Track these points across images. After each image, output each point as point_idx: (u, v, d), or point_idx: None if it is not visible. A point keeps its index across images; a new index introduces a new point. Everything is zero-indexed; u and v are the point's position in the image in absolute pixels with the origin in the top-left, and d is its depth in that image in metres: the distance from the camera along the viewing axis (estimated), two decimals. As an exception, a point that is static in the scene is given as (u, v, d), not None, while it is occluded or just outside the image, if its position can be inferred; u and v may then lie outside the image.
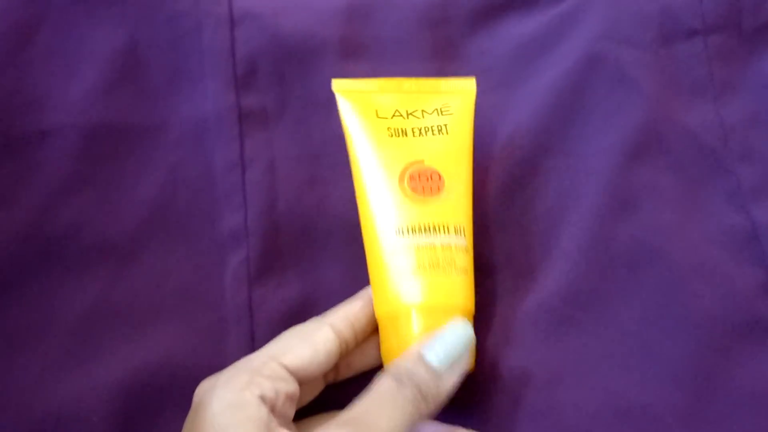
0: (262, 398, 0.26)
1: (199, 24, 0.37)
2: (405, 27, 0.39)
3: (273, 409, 0.26)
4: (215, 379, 0.27)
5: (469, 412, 0.31)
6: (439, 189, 0.32)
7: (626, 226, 0.34)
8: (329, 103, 0.37)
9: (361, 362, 0.32)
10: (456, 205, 0.32)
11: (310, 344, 0.29)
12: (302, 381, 0.29)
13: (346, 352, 0.30)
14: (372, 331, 0.32)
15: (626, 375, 0.31)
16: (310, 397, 0.31)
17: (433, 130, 0.33)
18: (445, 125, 0.33)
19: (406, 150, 0.33)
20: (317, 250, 0.35)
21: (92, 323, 0.32)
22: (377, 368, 0.32)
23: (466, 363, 0.29)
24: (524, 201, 0.35)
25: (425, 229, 0.31)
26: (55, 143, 0.34)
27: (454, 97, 0.34)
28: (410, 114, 0.34)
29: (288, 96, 0.37)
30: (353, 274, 0.34)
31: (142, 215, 0.34)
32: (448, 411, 0.30)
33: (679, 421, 0.30)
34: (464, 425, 0.30)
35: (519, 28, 0.39)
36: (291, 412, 0.28)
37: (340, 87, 0.34)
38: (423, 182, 0.32)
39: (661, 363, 0.31)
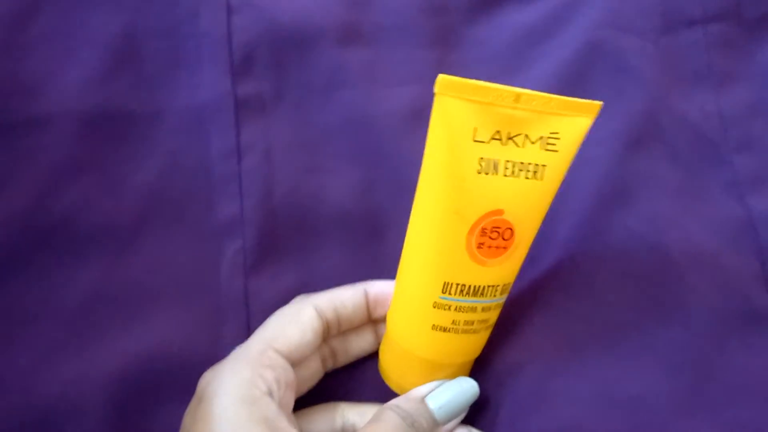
0: (270, 393, 0.26)
1: (196, 10, 0.37)
2: (405, 14, 0.39)
3: (280, 403, 0.26)
4: (219, 371, 0.27)
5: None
6: (506, 249, 0.28)
7: (623, 215, 0.34)
8: (327, 90, 0.37)
9: (359, 347, 0.32)
10: (514, 265, 0.29)
11: (298, 325, 0.29)
12: (294, 363, 0.29)
13: (328, 336, 0.31)
14: (362, 322, 0.32)
15: (620, 365, 0.31)
16: (309, 385, 0.31)
17: (528, 172, 0.27)
18: (544, 167, 0.27)
19: (491, 194, 0.27)
20: (314, 240, 0.35)
21: (89, 311, 0.32)
22: (374, 354, 0.32)
23: (463, 415, 0.29)
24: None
25: (474, 293, 0.28)
26: (53, 129, 0.34)
27: (567, 124, 0.28)
28: (511, 138, 0.27)
29: (285, 83, 0.37)
30: (350, 263, 0.34)
31: (138, 203, 0.34)
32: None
33: (673, 411, 0.30)
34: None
35: (520, 15, 0.39)
36: (291, 402, 0.29)
37: (445, 86, 0.26)
38: (493, 240, 0.28)
39: (655, 353, 0.31)
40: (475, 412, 0.31)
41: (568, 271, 0.33)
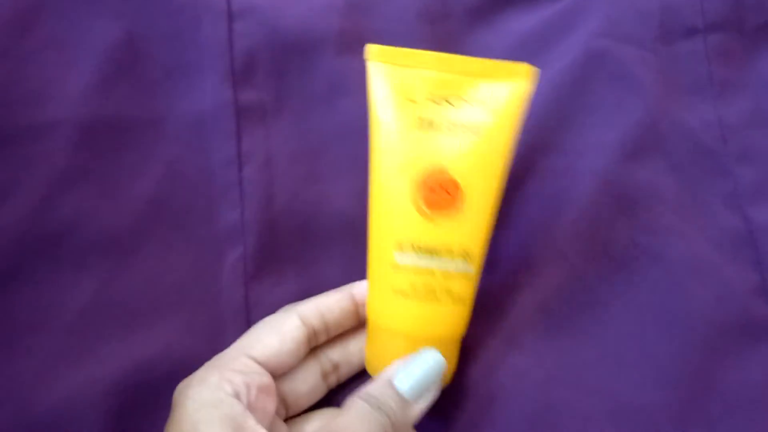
0: (237, 395, 0.26)
1: (197, 18, 0.37)
2: (405, 21, 0.39)
3: (249, 405, 0.27)
4: (189, 379, 0.28)
5: (464, 410, 0.31)
6: (454, 205, 0.29)
7: (624, 226, 0.34)
8: (328, 98, 0.37)
9: (360, 357, 0.32)
10: (469, 227, 0.29)
11: (277, 333, 0.29)
12: (275, 371, 0.29)
13: (316, 342, 0.31)
14: (352, 324, 0.32)
15: (621, 376, 0.31)
16: (310, 399, 0.31)
17: (465, 128, 0.29)
18: (483, 124, 0.29)
19: (431, 150, 0.29)
20: (315, 248, 0.35)
21: (89, 319, 0.32)
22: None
23: (436, 391, 0.29)
24: (521, 199, 0.35)
25: (427, 251, 0.29)
26: (52, 137, 0.34)
27: (504, 88, 0.30)
28: (446, 99, 0.29)
29: (286, 91, 0.37)
30: (351, 271, 0.34)
31: (139, 211, 0.34)
32: (444, 408, 0.30)
33: (673, 423, 0.30)
34: (458, 423, 0.31)
35: (519, 24, 0.39)
36: (270, 406, 0.28)
37: (374, 53, 0.30)
38: (439, 195, 0.29)
39: (655, 364, 0.31)
40: (475, 421, 0.31)
41: (569, 282, 0.33)
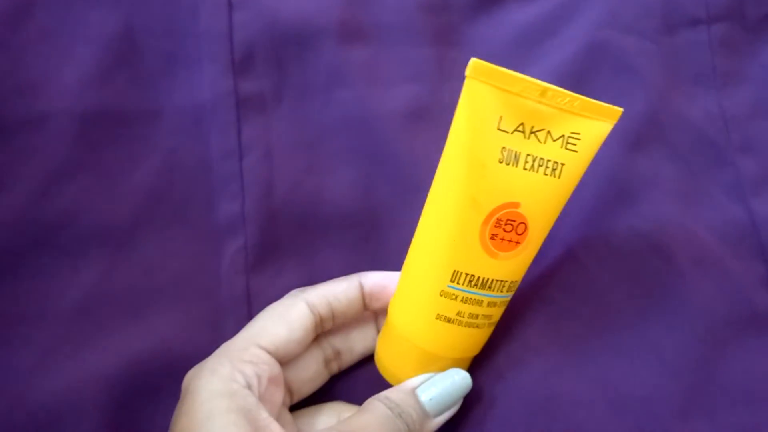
0: (249, 386, 0.26)
1: (196, 8, 0.36)
2: (405, 12, 0.39)
3: (260, 397, 0.26)
4: (200, 368, 0.27)
5: (466, 402, 0.31)
6: (518, 243, 0.28)
7: (626, 217, 0.34)
8: (327, 88, 0.37)
9: (363, 345, 0.32)
10: (524, 261, 0.29)
11: (285, 322, 0.29)
12: (283, 360, 0.29)
13: (321, 330, 0.30)
14: (356, 313, 0.32)
15: (623, 367, 0.31)
16: (312, 387, 0.31)
17: (547, 168, 0.27)
18: (562, 166, 0.28)
19: (509, 186, 0.27)
20: (315, 239, 0.35)
21: (88, 311, 0.32)
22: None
23: (456, 408, 0.29)
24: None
25: (482, 285, 0.28)
26: (50, 128, 0.34)
27: (589, 126, 0.28)
28: (533, 133, 0.27)
29: (286, 82, 0.37)
30: (352, 262, 0.34)
31: (138, 202, 0.34)
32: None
33: (675, 414, 0.30)
34: (460, 414, 0.31)
35: (520, 14, 0.39)
36: (278, 397, 0.28)
37: (477, 70, 0.26)
38: (507, 233, 0.28)
39: (658, 354, 0.31)
40: (473, 406, 0.31)
41: (570, 271, 0.33)
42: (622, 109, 0.28)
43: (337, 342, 0.32)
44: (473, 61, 0.26)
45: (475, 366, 0.32)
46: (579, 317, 0.32)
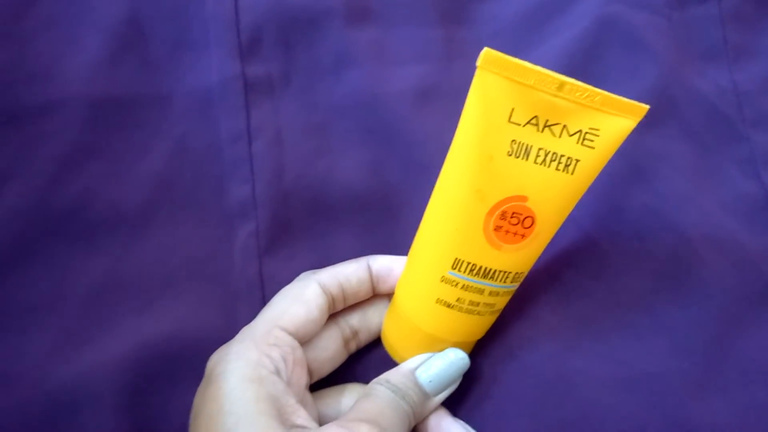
0: (277, 371, 0.26)
1: (202, -9, 0.36)
2: (412, -9, 0.38)
3: (288, 381, 0.27)
4: (225, 352, 0.27)
5: (479, 381, 0.31)
6: (523, 237, 0.27)
7: (638, 193, 0.34)
8: (335, 70, 0.37)
9: (379, 323, 0.32)
10: (530, 254, 0.28)
11: (302, 303, 0.29)
12: (302, 341, 0.29)
13: (334, 310, 0.31)
14: (367, 294, 0.32)
15: (636, 344, 0.31)
16: (331, 366, 0.31)
17: (560, 163, 0.27)
18: (577, 162, 0.27)
19: (517, 179, 0.27)
20: (326, 221, 0.35)
21: (102, 296, 0.32)
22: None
23: (455, 387, 0.29)
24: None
25: (484, 275, 0.28)
26: (60, 116, 0.34)
27: (609, 122, 0.27)
28: (548, 126, 0.26)
29: (293, 64, 0.36)
30: (363, 243, 0.34)
31: (149, 188, 0.34)
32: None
33: (689, 390, 0.30)
34: (473, 393, 0.31)
35: (529, -9, 0.38)
36: (303, 379, 0.29)
37: (489, 61, 0.26)
38: (512, 226, 0.27)
39: (671, 332, 0.31)
40: (491, 390, 0.31)
41: (583, 250, 0.33)
42: (647, 107, 0.27)
43: (354, 321, 0.32)
44: (485, 52, 0.25)
45: (487, 345, 0.32)
46: (591, 295, 0.32)
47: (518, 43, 0.38)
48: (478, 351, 0.32)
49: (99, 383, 0.30)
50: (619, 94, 0.36)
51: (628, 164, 0.34)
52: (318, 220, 0.35)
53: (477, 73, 0.26)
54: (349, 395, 0.31)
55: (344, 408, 0.30)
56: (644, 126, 0.35)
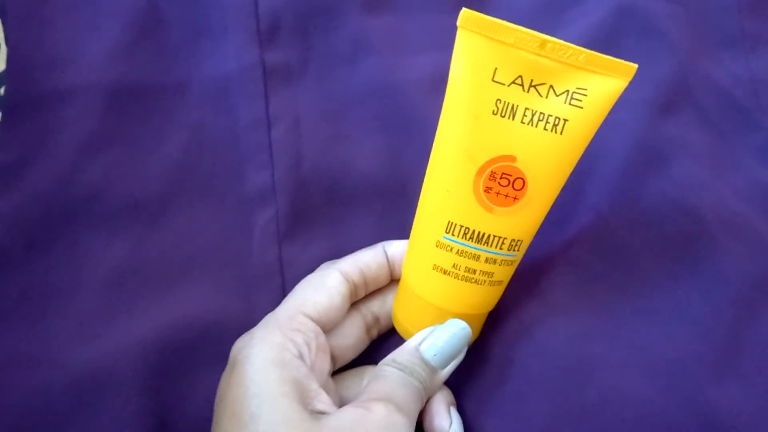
0: (301, 356, 0.27)
1: (220, -22, 0.36)
2: (428, -21, 0.38)
3: (311, 366, 0.27)
4: (250, 338, 0.28)
5: (498, 365, 0.31)
6: (515, 199, 0.27)
7: (655, 181, 0.34)
8: (353, 57, 0.37)
9: None
10: (526, 221, 0.28)
11: (324, 291, 0.29)
12: (326, 328, 0.29)
13: (356, 297, 0.31)
14: (387, 280, 0.32)
15: (654, 329, 0.31)
16: (354, 352, 0.31)
17: (548, 123, 0.26)
18: (565, 122, 0.26)
19: (504, 139, 0.26)
20: (345, 207, 0.35)
21: (123, 282, 0.32)
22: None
23: (460, 358, 0.29)
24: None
25: (477, 239, 0.28)
26: (79, 102, 0.34)
27: (597, 82, 0.26)
28: (534, 86, 0.26)
29: (312, 51, 0.37)
30: (382, 230, 0.34)
31: (168, 174, 0.34)
32: (477, 363, 0.30)
33: (708, 376, 0.30)
34: (492, 376, 0.31)
35: (546, -21, 0.38)
36: (326, 365, 0.29)
37: (468, 20, 0.26)
38: (502, 186, 0.27)
39: (689, 318, 0.31)
40: (509, 374, 0.31)
41: (601, 236, 0.33)
42: (636, 66, 0.27)
43: (375, 307, 0.32)
44: (464, 11, 0.26)
45: (504, 328, 0.32)
46: (610, 281, 0.32)
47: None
48: (494, 334, 0.32)
49: (121, 367, 0.31)
50: (636, 82, 0.36)
51: (646, 151, 0.34)
52: (336, 206, 0.35)
53: (458, 32, 0.26)
54: (368, 378, 0.31)
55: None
56: (661, 113, 0.35)
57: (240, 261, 0.34)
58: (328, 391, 0.28)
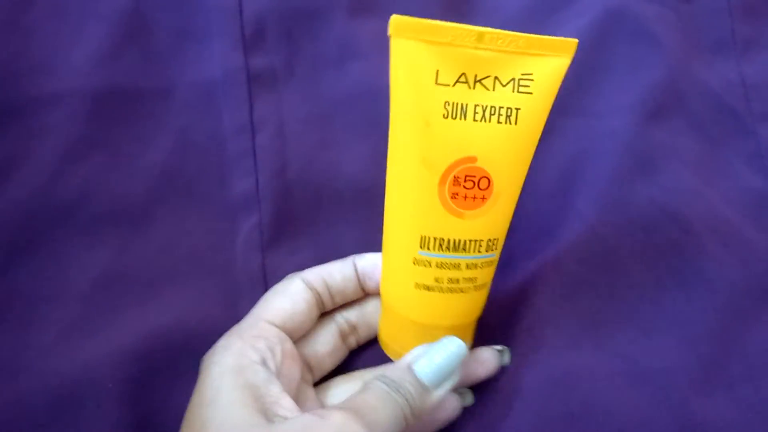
0: (263, 361, 0.26)
1: (205, -18, 0.36)
2: (416, -18, 0.38)
3: (277, 371, 0.26)
4: (213, 348, 0.28)
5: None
6: (483, 199, 0.26)
7: (644, 187, 0.33)
8: (338, 62, 0.36)
9: (378, 319, 0.32)
10: (498, 219, 0.27)
11: (287, 297, 0.29)
12: (292, 334, 0.29)
13: (323, 307, 0.31)
14: (356, 292, 0.31)
15: (641, 339, 0.31)
16: (332, 361, 0.31)
17: (500, 115, 0.26)
18: (518, 111, 0.26)
19: (460, 141, 0.26)
20: (330, 215, 0.35)
21: (105, 289, 0.32)
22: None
23: (456, 378, 0.28)
24: (541, 161, 0.34)
25: (455, 247, 0.27)
26: (62, 108, 0.34)
27: (541, 65, 0.26)
28: (479, 81, 0.25)
29: (297, 56, 0.36)
30: (367, 238, 0.34)
31: (151, 180, 0.34)
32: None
33: (695, 386, 0.30)
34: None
35: (536, -19, 0.38)
36: (295, 372, 0.28)
37: (400, 27, 0.25)
38: (468, 189, 0.26)
39: (676, 327, 0.31)
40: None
41: (588, 243, 0.32)
42: (576, 41, 0.26)
43: (352, 316, 0.32)
44: (394, 18, 0.25)
45: (492, 338, 0.31)
46: (597, 289, 0.32)
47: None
48: (482, 344, 0.31)
49: (102, 375, 0.30)
50: (626, 87, 0.35)
51: (635, 157, 0.34)
52: (321, 212, 0.35)
53: (391, 42, 0.25)
54: (353, 383, 0.31)
55: (344, 397, 0.30)
56: (651, 118, 0.34)
57: (223, 269, 0.33)
58: (305, 401, 0.28)
